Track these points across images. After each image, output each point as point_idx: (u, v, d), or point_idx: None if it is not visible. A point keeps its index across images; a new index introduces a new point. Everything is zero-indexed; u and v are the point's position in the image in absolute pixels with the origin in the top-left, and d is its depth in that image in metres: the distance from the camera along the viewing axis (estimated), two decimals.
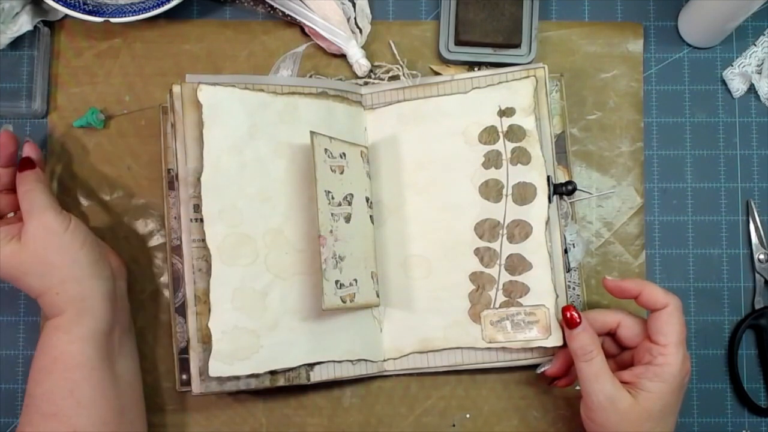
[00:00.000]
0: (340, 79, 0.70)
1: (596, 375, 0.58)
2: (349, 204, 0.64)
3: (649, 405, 0.57)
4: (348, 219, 0.64)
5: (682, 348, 0.58)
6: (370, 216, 0.66)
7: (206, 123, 0.62)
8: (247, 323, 0.62)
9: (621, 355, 0.63)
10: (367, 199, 0.66)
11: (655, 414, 0.57)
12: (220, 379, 0.61)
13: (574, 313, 0.60)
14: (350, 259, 0.63)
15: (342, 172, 0.64)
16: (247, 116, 0.63)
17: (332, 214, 0.62)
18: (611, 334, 0.63)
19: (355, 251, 0.64)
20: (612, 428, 0.58)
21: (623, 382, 0.58)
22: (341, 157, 0.64)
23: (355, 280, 0.64)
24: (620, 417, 0.57)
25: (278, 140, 0.64)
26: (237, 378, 0.62)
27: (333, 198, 0.63)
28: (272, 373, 0.62)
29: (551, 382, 0.65)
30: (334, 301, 0.62)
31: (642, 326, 0.61)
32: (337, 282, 0.62)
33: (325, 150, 0.63)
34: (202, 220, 0.62)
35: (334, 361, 0.64)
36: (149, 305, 0.69)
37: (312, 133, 0.62)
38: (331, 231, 0.62)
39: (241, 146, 0.63)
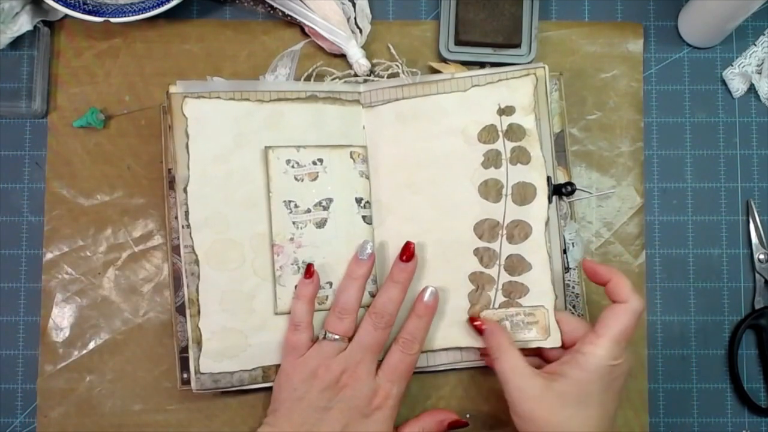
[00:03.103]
0: (348, 74, 0.69)
1: (507, 371, 0.58)
2: (325, 209, 0.65)
3: (562, 389, 0.56)
4: (321, 224, 0.65)
5: (618, 346, 0.56)
6: (364, 216, 0.66)
7: (191, 135, 0.64)
8: (235, 324, 0.64)
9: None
10: (360, 200, 0.66)
11: (570, 400, 0.56)
12: (213, 376, 0.63)
13: (476, 323, 0.63)
14: (321, 263, 0.64)
15: (314, 179, 0.65)
16: (233, 126, 0.65)
17: (294, 222, 0.64)
18: None
19: (332, 254, 0.65)
20: (528, 417, 0.57)
21: (548, 372, 0.58)
22: (314, 164, 0.65)
23: (329, 283, 0.65)
24: (531, 404, 0.57)
25: (263, 147, 0.65)
26: (230, 374, 0.64)
27: (296, 206, 0.64)
28: (264, 370, 0.64)
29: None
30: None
31: (581, 322, 0.62)
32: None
33: (288, 161, 0.65)
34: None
35: None
36: (150, 304, 0.69)
37: (267, 147, 0.64)
38: (291, 239, 0.64)
39: (226, 155, 0.64)
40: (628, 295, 0.58)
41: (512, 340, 0.61)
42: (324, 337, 0.62)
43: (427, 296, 0.63)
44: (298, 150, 0.65)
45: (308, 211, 0.65)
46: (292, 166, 0.65)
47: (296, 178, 0.65)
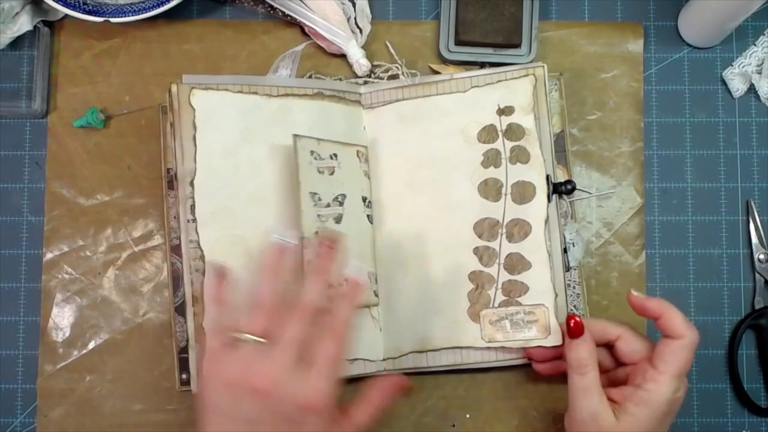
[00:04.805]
0: (339, 79, 0.70)
1: (585, 390, 0.57)
2: (341, 204, 0.64)
3: (629, 428, 0.56)
4: (338, 220, 0.64)
5: (679, 380, 0.57)
6: (368, 215, 0.66)
7: (199, 127, 0.63)
8: None
9: (615, 372, 0.62)
10: (364, 199, 0.66)
11: None
12: None
13: (578, 319, 0.58)
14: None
15: (332, 173, 0.64)
16: (240, 119, 0.64)
17: (318, 215, 0.63)
18: (609, 347, 0.62)
19: (347, 252, 0.64)
20: None
21: (610, 400, 0.57)
22: (331, 159, 0.65)
23: (345, 281, 0.64)
24: None
25: (271, 142, 0.65)
26: None
27: (320, 200, 0.63)
28: None
29: (530, 360, 0.65)
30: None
31: (643, 344, 0.60)
32: None
33: (311, 152, 0.63)
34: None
35: None
36: (150, 304, 0.69)
37: (295, 136, 0.63)
38: (316, 232, 0.62)
39: (234, 149, 0.64)
40: (683, 330, 0.57)
41: (596, 356, 0.59)
42: (242, 339, 0.54)
43: (354, 276, 0.58)
44: (318, 142, 0.64)
45: (328, 205, 0.64)
46: (315, 158, 0.64)
47: (319, 170, 0.64)
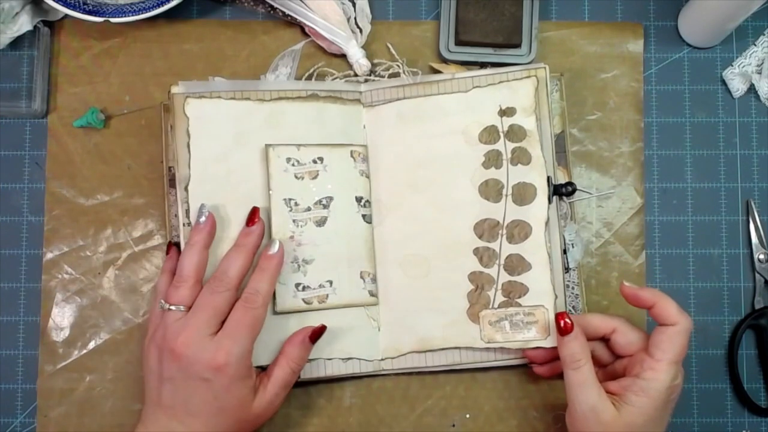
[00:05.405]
0: (348, 74, 0.69)
1: (582, 384, 0.58)
2: (325, 207, 0.65)
3: (631, 419, 0.57)
4: (321, 222, 0.65)
5: (676, 367, 0.57)
6: (364, 215, 0.66)
7: (192, 135, 0.64)
8: None
9: (613, 365, 0.63)
10: (360, 199, 0.66)
11: (637, 428, 0.57)
12: None
13: (567, 320, 0.59)
14: (321, 262, 0.65)
15: (315, 177, 0.65)
16: (234, 125, 0.65)
17: (294, 220, 0.64)
18: (605, 340, 0.62)
19: (332, 253, 0.65)
20: None
21: (609, 393, 0.58)
22: (314, 163, 0.65)
23: (329, 282, 0.65)
24: (602, 428, 0.57)
25: (264, 146, 0.65)
26: None
27: (297, 204, 0.64)
28: (261, 368, 0.63)
29: (530, 363, 0.65)
30: (291, 303, 0.64)
31: (638, 335, 0.61)
32: (298, 285, 0.64)
33: (288, 159, 0.65)
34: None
35: (324, 359, 0.65)
36: (149, 304, 0.68)
37: (267, 145, 0.64)
38: (291, 237, 0.64)
39: (227, 154, 0.65)
40: (677, 317, 0.58)
41: (589, 351, 0.60)
42: (163, 308, 0.60)
43: (271, 249, 0.62)
44: (298, 148, 0.65)
45: (308, 209, 0.65)
46: (293, 165, 0.65)
47: (296, 176, 0.65)
